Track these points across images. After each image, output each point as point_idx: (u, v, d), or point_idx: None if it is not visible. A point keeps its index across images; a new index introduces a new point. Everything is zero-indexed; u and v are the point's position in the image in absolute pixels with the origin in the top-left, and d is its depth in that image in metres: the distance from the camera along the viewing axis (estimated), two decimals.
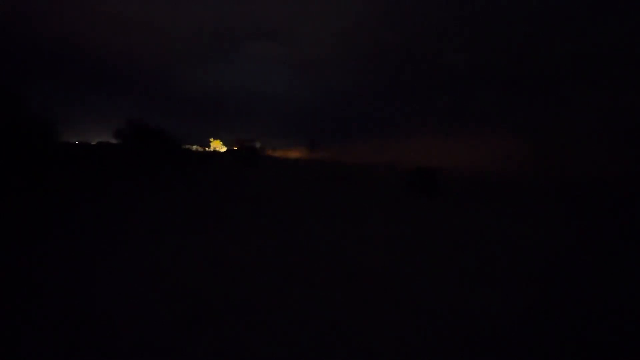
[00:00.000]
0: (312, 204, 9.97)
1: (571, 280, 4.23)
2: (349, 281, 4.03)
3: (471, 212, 9.07)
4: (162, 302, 3.34)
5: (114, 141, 19.08)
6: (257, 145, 31.51)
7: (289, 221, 7.39)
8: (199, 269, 4.29)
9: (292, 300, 3.46)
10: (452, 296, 3.67)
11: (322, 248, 5.40)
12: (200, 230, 6.33)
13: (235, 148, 28.59)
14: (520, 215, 8.76)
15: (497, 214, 8.88)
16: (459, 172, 28.03)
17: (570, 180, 17.09)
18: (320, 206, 9.54)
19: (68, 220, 6.84)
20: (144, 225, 6.60)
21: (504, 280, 4.15)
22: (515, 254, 5.30)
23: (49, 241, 5.31)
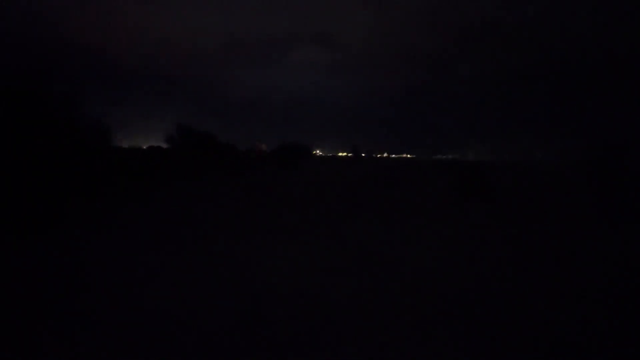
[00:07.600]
0: (357, 206, 9.76)
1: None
2: (393, 282, 3.76)
3: (523, 217, 8.21)
4: (213, 300, 3.37)
5: (164, 145, 20.29)
6: (304, 148, 31.62)
7: (334, 223, 7.28)
8: (251, 268, 4.31)
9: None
10: (499, 299, 3.23)
11: (368, 249, 5.21)
12: (250, 230, 6.46)
13: (281, 151, 28.70)
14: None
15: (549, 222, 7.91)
16: (516, 172, 26.16)
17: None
18: (366, 208, 9.27)
19: (121, 220, 7.44)
20: (194, 226, 6.96)
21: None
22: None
23: (106, 240, 5.77)
